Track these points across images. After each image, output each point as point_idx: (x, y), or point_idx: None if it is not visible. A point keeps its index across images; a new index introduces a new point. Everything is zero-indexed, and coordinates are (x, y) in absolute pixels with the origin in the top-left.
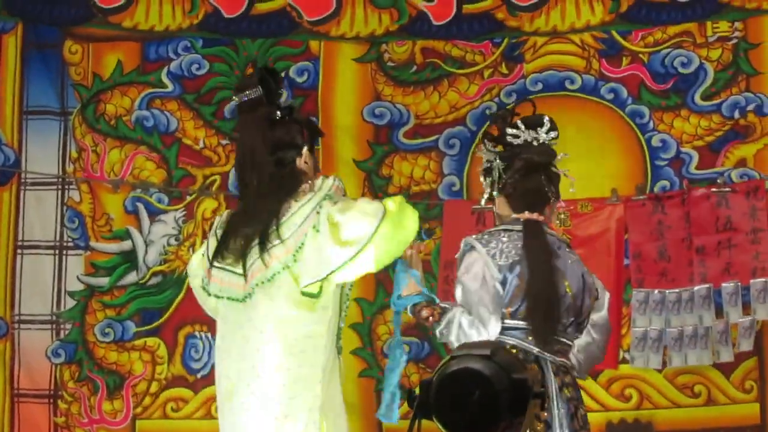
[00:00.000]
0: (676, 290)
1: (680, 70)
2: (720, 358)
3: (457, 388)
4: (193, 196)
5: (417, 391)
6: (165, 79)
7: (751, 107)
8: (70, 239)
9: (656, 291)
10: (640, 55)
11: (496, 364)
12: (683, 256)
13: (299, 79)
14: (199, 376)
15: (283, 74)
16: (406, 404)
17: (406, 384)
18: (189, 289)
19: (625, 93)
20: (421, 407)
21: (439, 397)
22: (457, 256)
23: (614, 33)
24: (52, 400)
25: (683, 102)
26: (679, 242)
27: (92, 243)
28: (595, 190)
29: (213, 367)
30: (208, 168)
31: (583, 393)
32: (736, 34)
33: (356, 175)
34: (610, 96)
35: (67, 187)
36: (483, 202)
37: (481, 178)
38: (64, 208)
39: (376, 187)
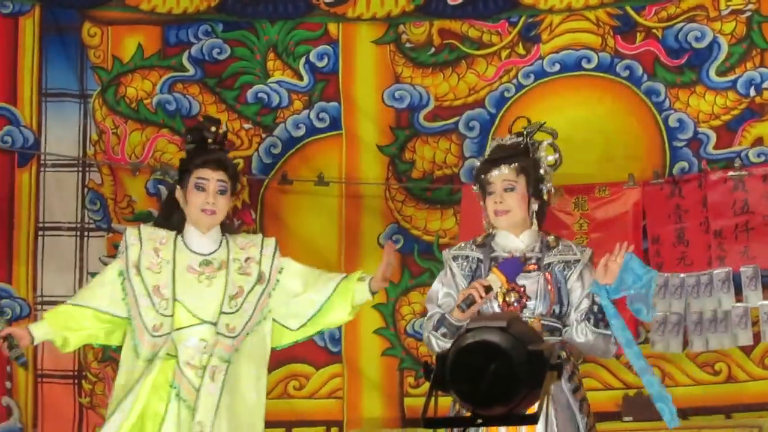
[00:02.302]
0: (695, 274)
1: (694, 44)
2: (738, 342)
3: (474, 361)
4: None
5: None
6: (186, 63)
7: (766, 84)
8: (91, 221)
9: (675, 275)
10: (654, 31)
11: (512, 336)
12: (701, 240)
13: (320, 64)
14: None
15: (303, 59)
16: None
17: None
18: None
19: (640, 70)
20: (438, 381)
21: (455, 370)
22: None
23: (628, 8)
24: (76, 381)
25: (698, 78)
26: (697, 226)
27: (114, 225)
28: (613, 173)
29: None
30: (231, 152)
31: (604, 371)
32: (750, 6)
33: (380, 160)
34: (626, 73)
35: (87, 169)
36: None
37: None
38: (86, 190)
39: (400, 172)
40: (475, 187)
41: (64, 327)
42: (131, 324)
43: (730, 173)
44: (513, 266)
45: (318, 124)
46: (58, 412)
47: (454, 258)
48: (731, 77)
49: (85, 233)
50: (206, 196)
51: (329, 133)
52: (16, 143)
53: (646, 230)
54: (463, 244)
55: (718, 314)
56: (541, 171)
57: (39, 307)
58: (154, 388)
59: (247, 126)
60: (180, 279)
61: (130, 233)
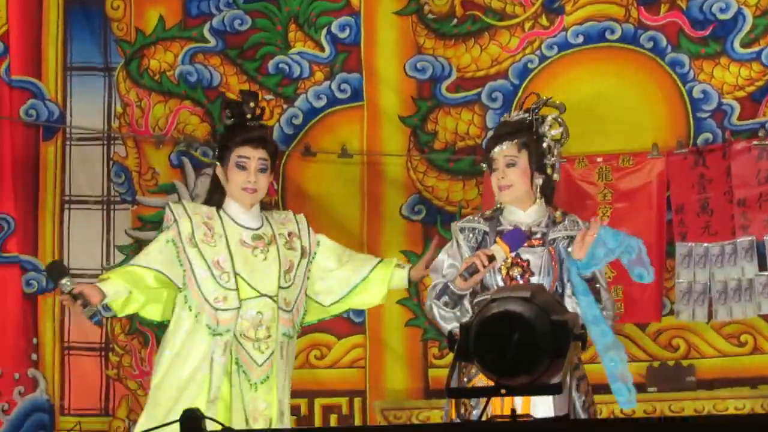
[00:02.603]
0: (719, 243)
1: (718, 16)
2: (761, 310)
3: (498, 331)
4: None
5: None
6: (207, 35)
7: None
8: (117, 194)
9: (699, 244)
10: (678, 2)
11: (536, 306)
12: (725, 210)
13: (341, 35)
14: None
15: (325, 30)
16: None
17: None
18: None
19: (664, 41)
20: (462, 351)
21: (479, 340)
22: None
23: None
24: (103, 353)
25: (722, 49)
26: (721, 195)
27: (139, 197)
28: (637, 143)
29: None
30: (268, 127)
31: (630, 342)
32: None
33: (402, 131)
34: (650, 45)
35: (112, 142)
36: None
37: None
38: (111, 162)
39: (421, 143)
40: (483, 165)
41: (133, 284)
42: (185, 294)
43: (755, 142)
44: (517, 237)
45: (339, 95)
46: (85, 384)
47: (461, 230)
48: (755, 49)
49: (111, 206)
50: (247, 174)
51: (350, 104)
52: (41, 117)
53: (669, 200)
54: (470, 217)
55: (743, 283)
56: (544, 145)
57: None
58: (217, 364)
59: (268, 97)
60: (236, 253)
61: (176, 207)
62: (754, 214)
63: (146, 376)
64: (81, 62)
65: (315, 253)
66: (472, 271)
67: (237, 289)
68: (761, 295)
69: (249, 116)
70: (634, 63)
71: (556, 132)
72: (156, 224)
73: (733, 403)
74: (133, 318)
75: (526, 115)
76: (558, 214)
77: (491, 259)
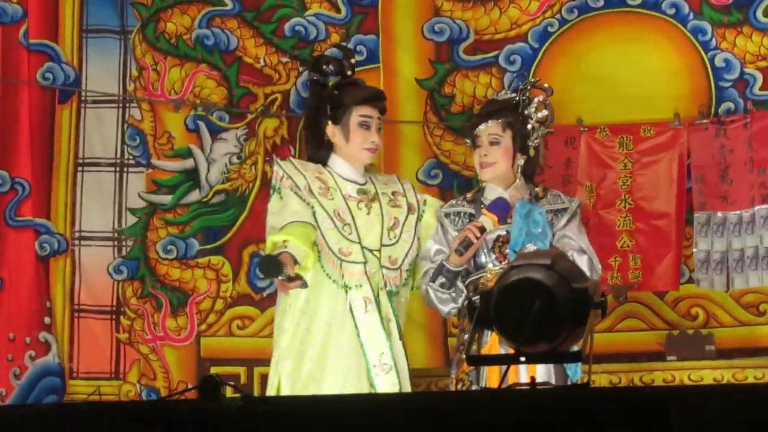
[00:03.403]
0: (737, 212)
1: None
2: None
3: (518, 298)
4: (254, 114)
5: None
6: None
7: None
8: (131, 156)
9: (718, 213)
10: None
11: (556, 274)
12: (745, 180)
13: None
14: (264, 294)
15: None
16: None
17: None
18: (252, 208)
19: (686, 8)
20: (482, 318)
21: (499, 308)
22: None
23: None
24: (114, 317)
25: (745, 18)
26: (741, 165)
27: (153, 161)
28: (657, 112)
29: None
30: (269, 86)
31: (649, 311)
32: None
33: (418, 93)
34: (672, 11)
35: (127, 105)
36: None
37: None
38: (125, 125)
39: (438, 106)
40: (467, 141)
41: (305, 241)
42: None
43: None
44: (501, 206)
45: (355, 57)
46: (95, 348)
47: (446, 215)
48: None
49: (125, 169)
50: (370, 134)
51: (367, 66)
52: (57, 80)
53: (690, 170)
54: (453, 201)
55: (760, 251)
56: (529, 127)
57: (77, 242)
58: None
59: (284, 60)
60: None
61: (287, 165)
62: None
63: (158, 340)
64: (97, 25)
65: (423, 212)
66: (467, 244)
67: (360, 242)
68: None
69: (349, 72)
70: (656, 29)
71: (542, 114)
72: (171, 188)
73: (753, 373)
74: (144, 281)
75: (514, 95)
76: (539, 189)
77: (482, 230)
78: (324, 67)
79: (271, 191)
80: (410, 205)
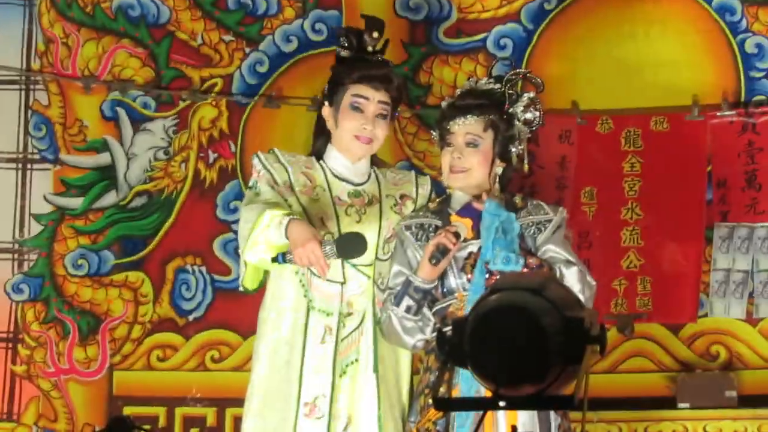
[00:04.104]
0: (767, 224)
1: None
2: None
3: (498, 328)
4: (187, 101)
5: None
6: None
7: None
8: (35, 150)
9: (742, 225)
10: None
11: (545, 300)
12: None
13: None
14: (191, 318)
15: None
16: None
17: None
18: (180, 214)
19: None
20: (454, 351)
21: (475, 339)
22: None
23: None
24: (11, 345)
25: None
26: None
27: (62, 155)
28: (673, 103)
29: (208, 308)
30: (206, 69)
31: (659, 348)
32: None
33: None
34: None
35: (32, 87)
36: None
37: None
38: (29, 112)
39: (412, 98)
40: (434, 134)
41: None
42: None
43: None
44: (473, 210)
45: (313, 37)
46: None
47: (407, 227)
48: None
49: (28, 165)
50: (363, 119)
51: (327, 48)
52: None
53: (711, 174)
54: (414, 213)
55: None
56: (514, 130)
57: None
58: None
59: (227, 38)
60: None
61: (266, 157)
62: None
63: (62, 374)
64: None
65: None
66: (443, 249)
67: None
68: None
69: (370, 48)
70: (673, 6)
71: (530, 116)
72: (83, 189)
73: None
74: (49, 303)
75: (498, 85)
76: (517, 199)
77: (457, 236)
78: (341, 39)
79: (248, 189)
80: None
